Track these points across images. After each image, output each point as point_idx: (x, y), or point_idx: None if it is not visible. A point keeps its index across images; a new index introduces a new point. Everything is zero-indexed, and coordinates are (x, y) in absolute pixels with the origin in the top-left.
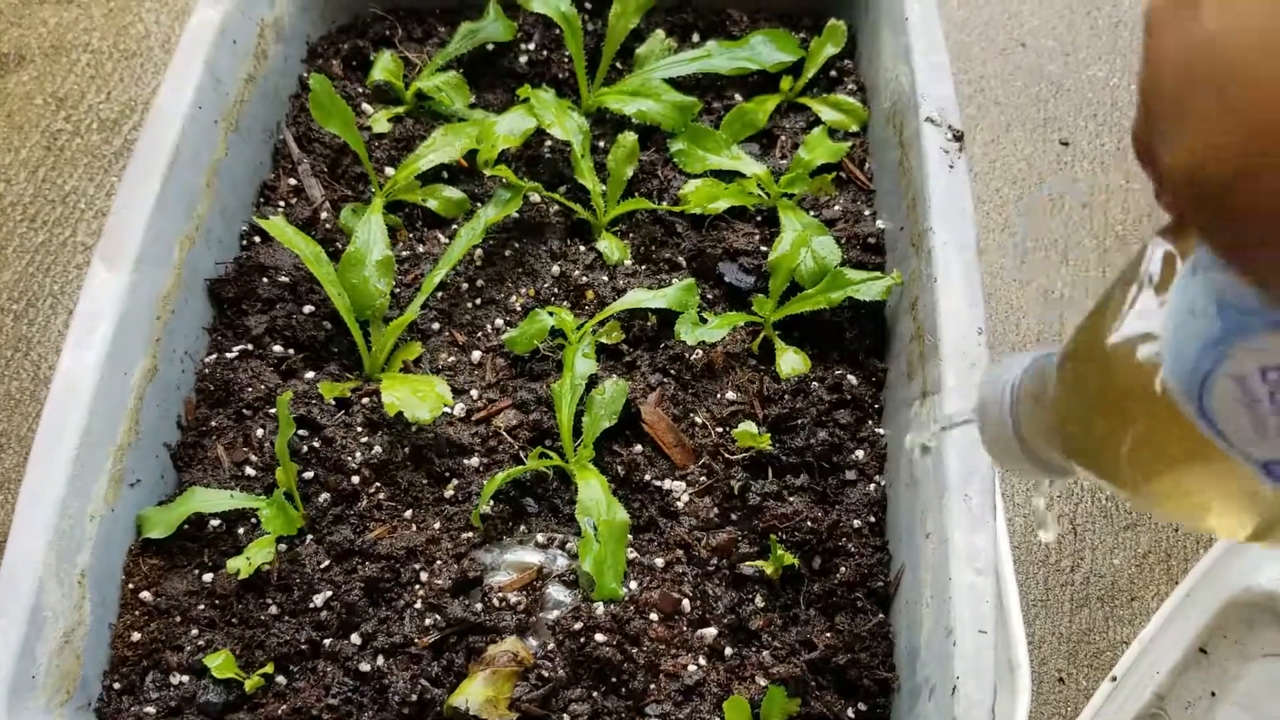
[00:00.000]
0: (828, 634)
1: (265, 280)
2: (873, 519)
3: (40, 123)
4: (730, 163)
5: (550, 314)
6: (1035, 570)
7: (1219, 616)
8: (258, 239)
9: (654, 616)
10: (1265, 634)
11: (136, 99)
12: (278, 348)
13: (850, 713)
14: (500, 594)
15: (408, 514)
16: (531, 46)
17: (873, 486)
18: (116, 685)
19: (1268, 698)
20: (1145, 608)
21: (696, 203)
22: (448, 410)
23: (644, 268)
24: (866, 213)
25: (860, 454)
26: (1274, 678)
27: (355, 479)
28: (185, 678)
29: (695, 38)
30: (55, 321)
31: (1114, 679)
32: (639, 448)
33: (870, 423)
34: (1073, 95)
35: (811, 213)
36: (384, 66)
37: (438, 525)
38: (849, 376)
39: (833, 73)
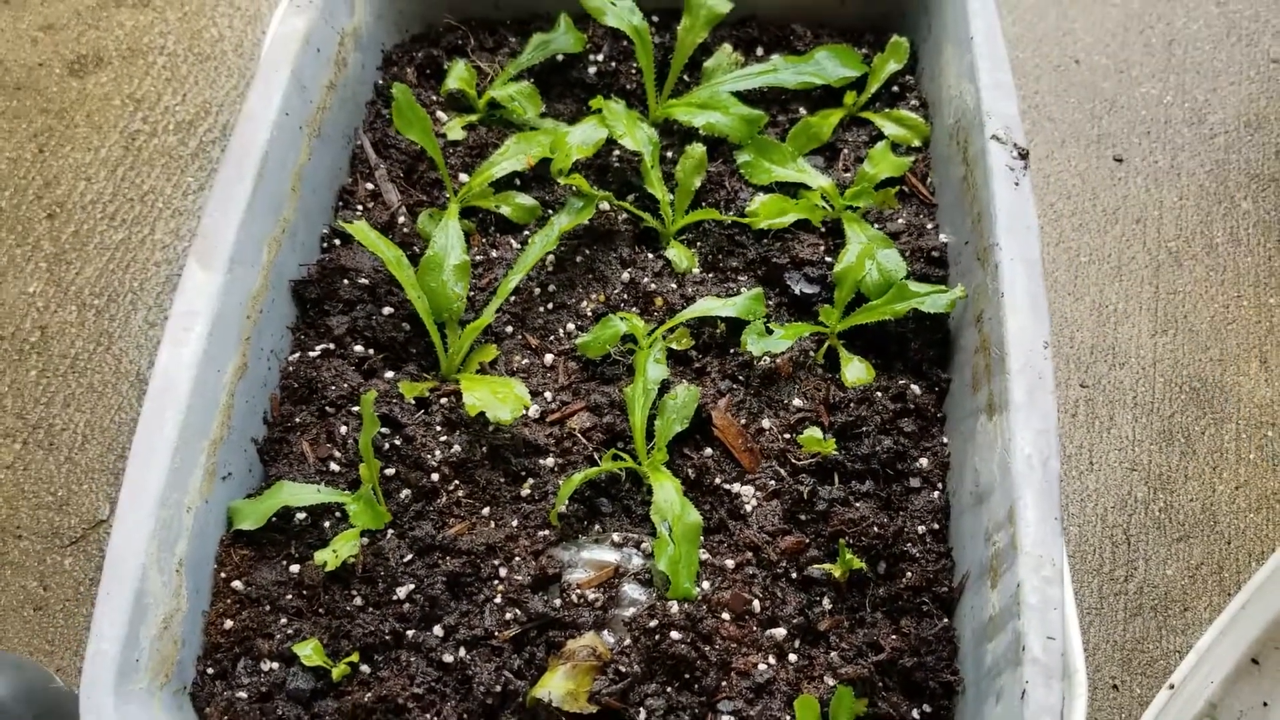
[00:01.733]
0: (894, 636)
1: (346, 282)
2: (936, 526)
3: (118, 123)
4: (796, 175)
5: (622, 320)
6: (1089, 579)
7: (1271, 628)
8: (338, 242)
9: (726, 616)
10: None
11: (211, 101)
12: (358, 347)
13: (915, 714)
14: (578, 590)
15: (486, 511)
16: (600, 58)
17: (936, 494)
18: (210, 670)
19: None
20: (1198, 618)
21: (765, 217)
22: (523, 412)
23: (711, 276)
24: (929, 226)
25: (924, 462)
26: None
27: (435, 476)
28: (275, 665)
29: (759, 51)
30: (135, 317)
31: (1171, 687)
32: (709, 451)
33: (934, 432)
34: (1126, 112)
35: (875, 225)
36: (458, 75)
37: (515, 523)
38: (913, 386)
39: (895, 88)
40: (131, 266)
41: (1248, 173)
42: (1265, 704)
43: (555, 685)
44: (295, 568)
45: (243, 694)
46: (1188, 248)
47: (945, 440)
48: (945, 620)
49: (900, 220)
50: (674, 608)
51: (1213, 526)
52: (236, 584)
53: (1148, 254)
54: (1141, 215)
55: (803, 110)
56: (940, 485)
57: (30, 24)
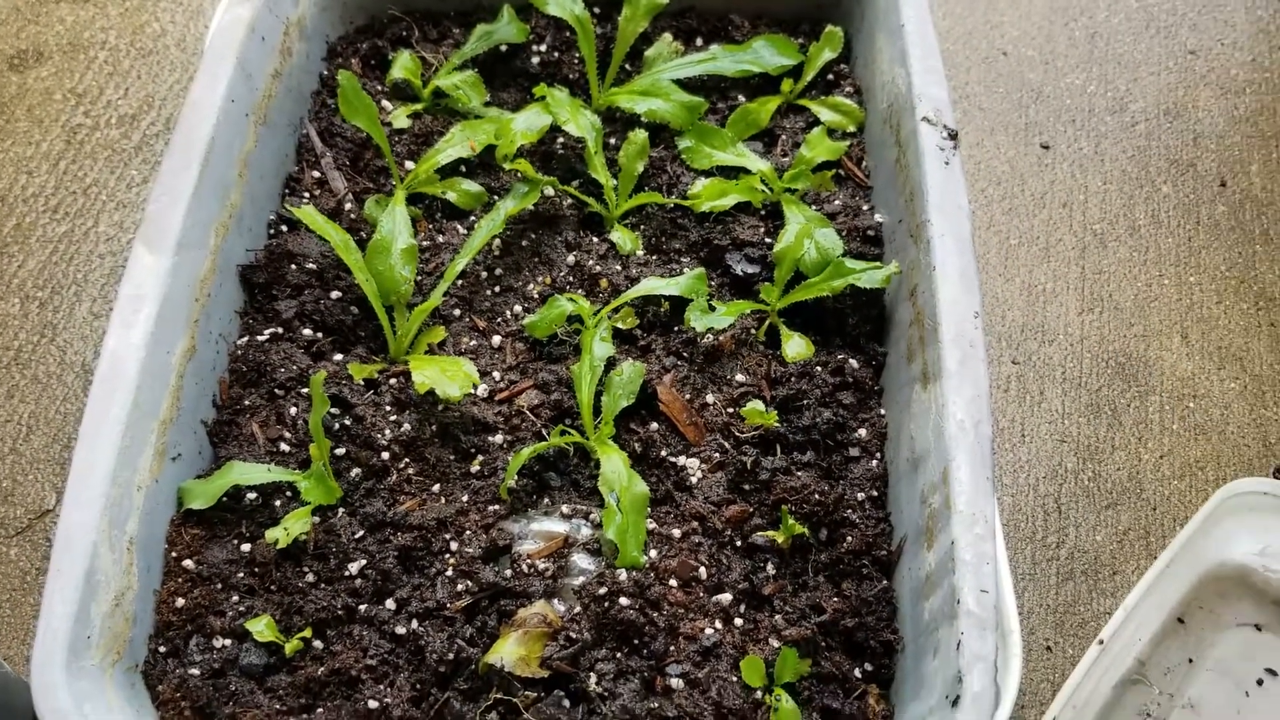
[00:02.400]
0: (835, 599)
1: (294, 267)
2: (875, 493)
3: (60, 118)
4: (735, 159)
5: (569, 300)
6: (1023, 546)
7: (1195, 589)
8: (285, 228)
9: (673, 583)
10: (1238, 605)
11: (154, 95)
12: (307, 331)
13: (857, 672)
14: (528, 561)
15: (436, 488)
16: (543, 48)
17: (874, 462)
18: (162, 648)
19: (1240, 663)
20: (1126, 581)
21: (707, 198)
22: (472, 390)
23: (655, 258)
24: (865, 207)
25: (863, 432)
26: (1246, 645)
27: (385, 455)
28: (227, 641)
29: (699, 41)
30: (79, 309)
31: (1101, 642)
32: (654, 426)
33: (872, 403)
34: (1052, 101)
35: (813, 207)
36: (403, 65)
37: (465, 498)
38: (851, 360)
39: (830, 76)
40: (75, 259)
41: (1167, 158)
42: (1190, 660)
43: (507, 652)
44: (246, 546)
45: (195, 670)
46: (1112, 230)
47: (883, 411)
48: (884, 582)
49: (837, 202)
50: (622, 575)
51: (1139, 494)
52: (188, 563)
53: (1074, 236)
54: (1068, 199)
55: (742, 98)
56: (878, 454)
57: None
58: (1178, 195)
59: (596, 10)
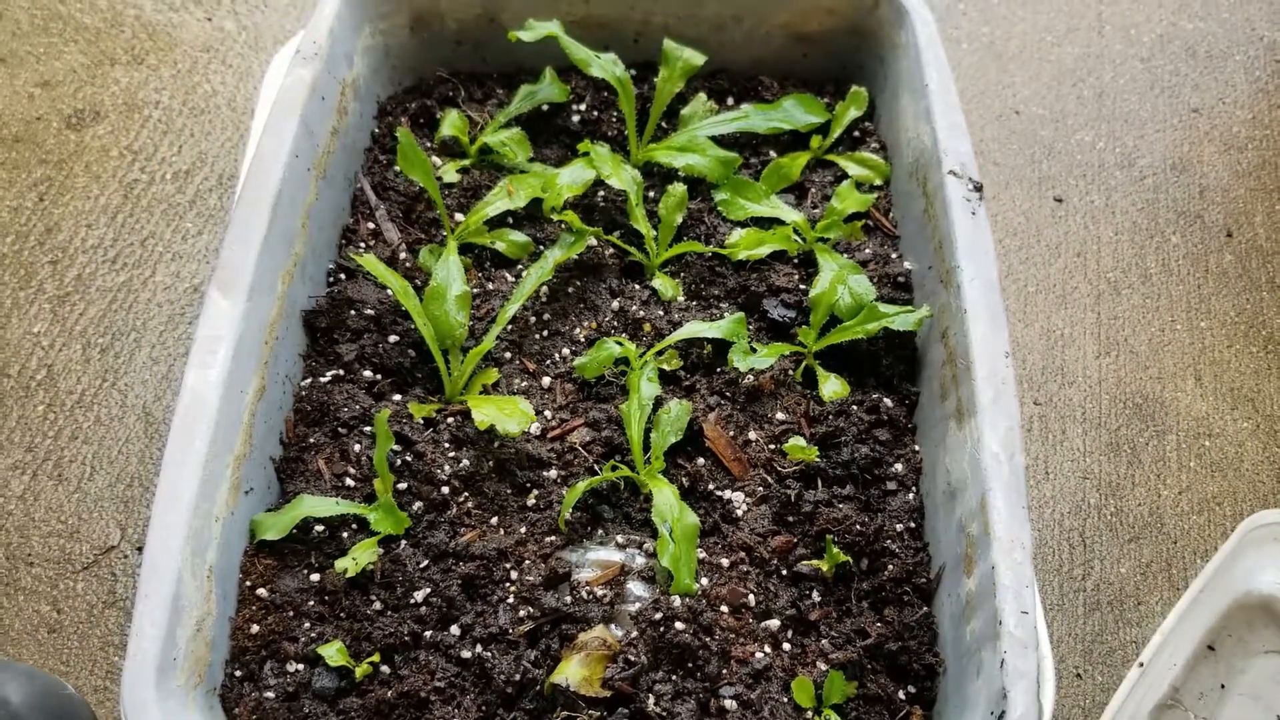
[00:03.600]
0: (879, 624)
1: (353, 313)
2: (913, 524)
3: (117, 174)
4: (769, 211)
5: (616, 343)
6: (1050, 578)
7: (1224, 618)
8: (343, 276)
9: (724, 609)
10: (1265, 633)
11: (206, 153)
12: (367, 373)
13: (901, 694)
14: (587, 588)
15: (494, 520)
16: (583, 107)
17: (911, 495)
18: (238, 672)
19: (1271, 688)
20: (1150, 611)
21: (744, 247)
22: (526, 429)
23: (695, 304)
24: (894, 255)
25: (899, 467)
26: (1276, 671)
27: (445, 489)
28: (300, 666)
29: (730, 101)
30: (139, 354)
31: (1141, 665)
32: (701, 461)
33: (906, 440)
34: (1063, 157)
35: (845, 256)
36: (451, 123)
37: (523, 530)
38: (885, 400)
39: (856, 133)
40: (134, 307)
41: (1175, 210)
42: (1223, 686)
43: (571, 673)
44: (316, 576)
45: (270, 694)
46: (1125, 278)
47: (917, 448)
48: (925, 608)
49: (867, 251)
50: (676, 602)
51: (1160, 528)
52: (261, 591)
53: (1089, 284)
54: (1082, 249)
55: (773, 153)
56: (914, 488)
57: (27, 81)
58: (1186, 245)
59: (633, 72)
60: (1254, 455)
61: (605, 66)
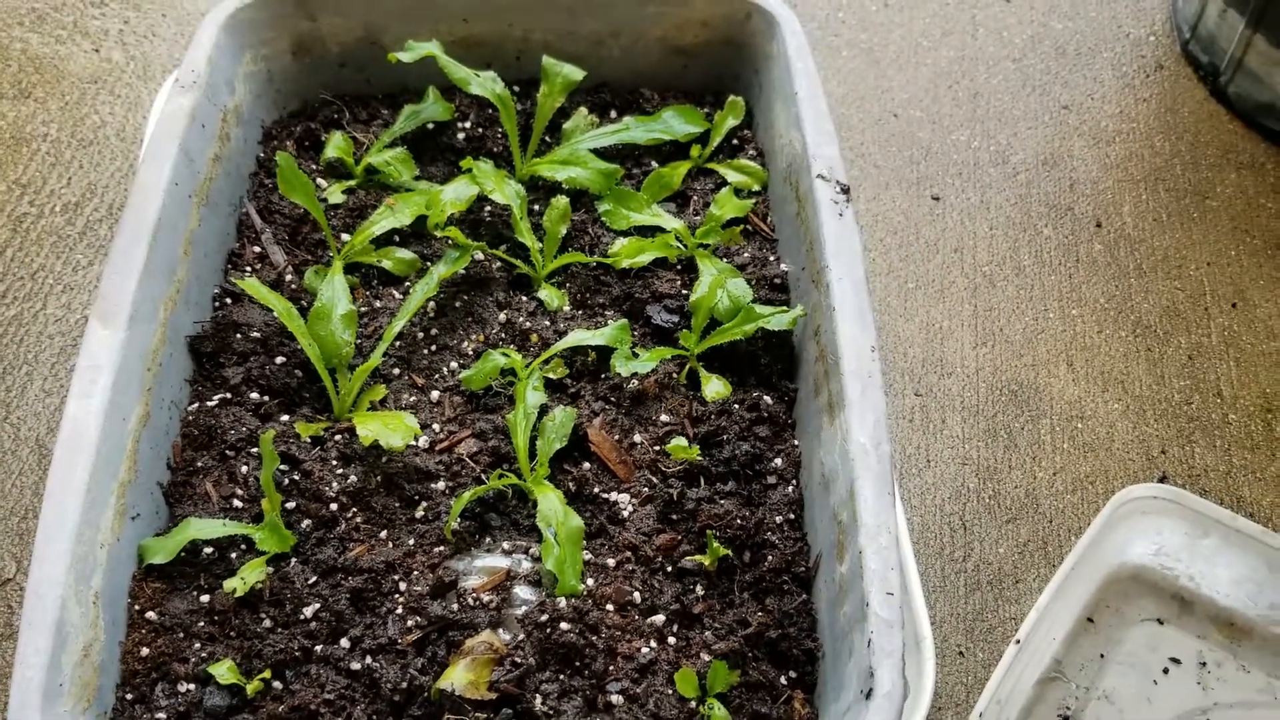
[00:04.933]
0: (760, 614)
1: (239, 336)
2: (792, 516)
3: (5, 207)
4: (651, 219)
5: (502, 355)
6: (932, 560)
7: (1101, 590)
8: (229, 300)
9: (610, 608)
10: (1140, 602)
11: (96, 184)
12: (254, 395)
13: (783, 680)
14: (473, 595)
15: (383, 534)
16: (468, 125)
17: (791, 488)
18: (129, 695)
19: (1148, 655)
20: (1029, 588)
21: (626, 256)
22: (413, 442)
23: (581, 313)
24: (771, 258)
25: (779, 462)
26: (1151, 638)
27: (334, 506)
28: (191, 686)
29: (613, 114)
30: (31, 387)
31: (1018, 642)
32: (586, 465)
33: (786, 435)
34: (940, 157)
35: (724, 260)
36: (336, 145)
37: (412, 541)
38: (765, 397)
39: (734, 141)
40: (24, 340)
41: (1047, 204)
42: (1102, 655)
43: (457, 677)
44: (205, 597)
45: (161, 715)
46: (1000, 271)
47: (796, 442)
48: (804, 595)
49: (746, 255)
50: (562, 603)
51: (1036, 508)
52: (150, 614)
53: (966, 278)
54: (959, 245)
55: (654, 163)
56: (794, 481)
57: None
58: (1058, 237)
59: (516, 89)
60: (1124, 435)
61: (485, 84)
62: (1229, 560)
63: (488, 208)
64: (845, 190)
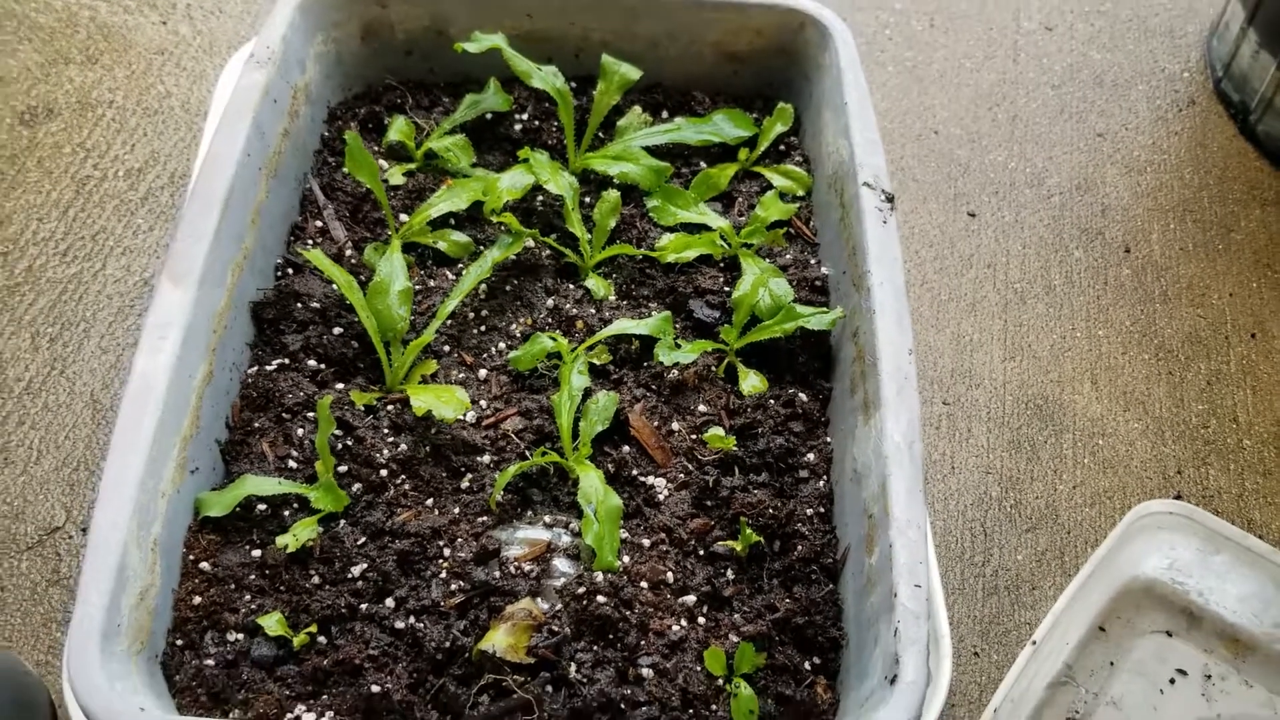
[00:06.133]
0: (788, 601)
1: (299, 305)
2: (822, 509)
3: (69, 170)
4: (698, 217)
5: (550, 338)
6: (953, 564)
7: (1113, 600)
8: (291, 271)
9: (644, 585)
10: (1151, 614)
11: (159, 152)
12: (311, 362)
13: (807, 665)
14: (515, 563)
15: (430, 502)
16: (525, 117)
17: (822, 483)
18: (179, 641)
19: (1154, 665)
20: (1044, 595)
21: (672, 250)
22: (462, 416)
23: (625, 303)
24: (813, 261)
25: (811, 457)
26: (1159, 649)
27: (384, 472)
28: (240, 635)
29: (664, 114)
30: (88, 344)
31: (1034, 643)
32: (626, 449)
33: (819, 431)
34: (977, 175)
35: (767, 260)
36: (398, 129)
37: (457, 510)
38: (800, 394)
39: (781, 146)
40: (84, 299)
41: (1079, 227)
42: (1112, 663)
43: (497, 640)
44: (257, 551)
45: (210, 661)
46: (1031, 288)
47: (829, 439)
48: (831, 586)
49: (788, 256)
50: (599, 577)
51: (1055, 519)
52: (204, 565)
53: (997, 293)
54: (992, 261)
55: (703, 164)
56: (825, 476)
57: None
58: (1088, 259)
59: (573, 85)
60: (1143, 454)
61: (546, 79)
62: (1238, 578)
63: (540, 197)
64: (890, 198)
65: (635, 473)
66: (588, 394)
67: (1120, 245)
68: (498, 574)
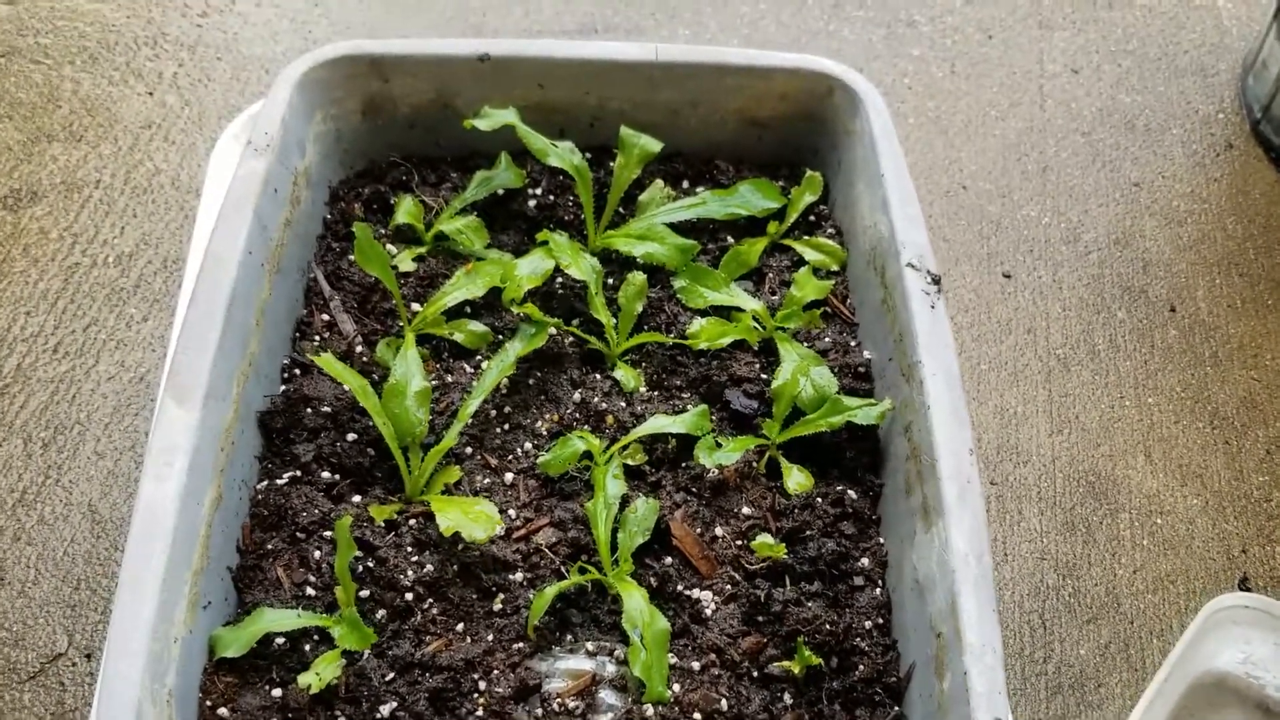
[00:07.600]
0: None
1: (310, 411)
2: (880, 620)
3: (57, 257)
4: (728, 299)
5: (580, 439)
6: (1012, 661)
7: (1186, 697)
8: (298, 371)
9: (697, 716)
10: (1225, 711)
11: (150, 234)
12: (325, 473)
13: None
14: (558, 699)
15: (460, 627)
16: (539, 192)
17: (878, 590)
18: None
19: None
20: (1111, 693)
21: (706, 339)
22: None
23: (656, 394)
24: (853, 344)
25: (865, 561)
26: None
27: (409, 595)
28: None
29: (685, 184)
30: (84, 448)
31: None
32: (668, 560)
33: (871, 532)
34: (1010, 232)
35: (805, 344)
36: (406, 210)
37: (491, 637)
38: (849, 491)
39: (811, 217)
40: (77, 398)
41: (1120, 285)
42: None
43: None
44: (278, 691)
45: None
46: (1074, 354)
47: (882, 540)
48: (896, 708)
49: (827, 339)
50: (649, 711)
51: (1117, 608)
52: (222, 711)
53: (1040, 361)
54: (1031, 325)
55: (730, 238)
56: (880, 582)
57: None
58: (1132, 320)
59: (588, 156)
60: (1204, 532)
61: (564, 156)
62: None
63: (560, 279)
64: (936, 281)
65: (680, 586)
66: (624, 500)
67: (1165, 304)
68: (539, 712)
